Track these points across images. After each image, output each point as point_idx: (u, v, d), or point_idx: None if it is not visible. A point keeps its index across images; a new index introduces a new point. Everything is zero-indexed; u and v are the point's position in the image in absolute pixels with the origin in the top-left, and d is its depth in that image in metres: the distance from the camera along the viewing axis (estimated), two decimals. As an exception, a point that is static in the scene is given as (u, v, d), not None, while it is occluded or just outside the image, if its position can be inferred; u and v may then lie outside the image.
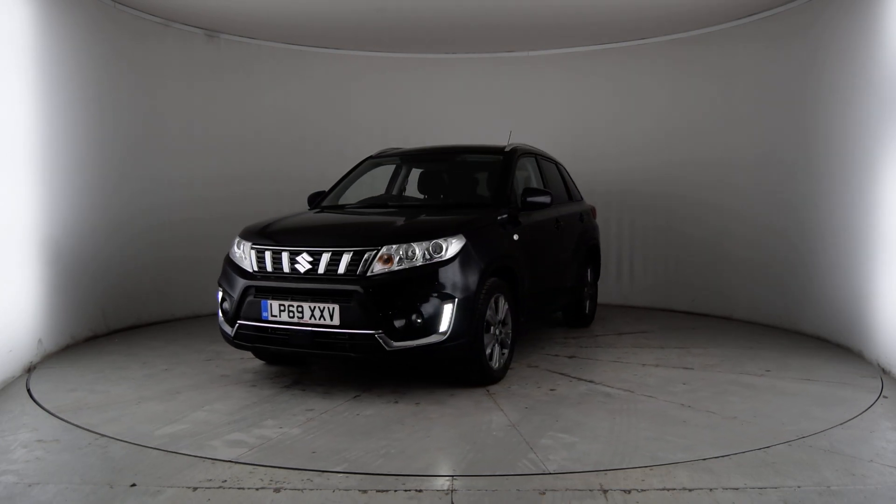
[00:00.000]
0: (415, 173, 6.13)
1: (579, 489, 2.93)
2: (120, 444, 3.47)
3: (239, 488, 2.94)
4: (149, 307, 6.83)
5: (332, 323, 4.07)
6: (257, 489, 2.93)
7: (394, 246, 4.12)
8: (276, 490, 2.92)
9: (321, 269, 4.17)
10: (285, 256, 4.29)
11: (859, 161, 5.43)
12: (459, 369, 4.50)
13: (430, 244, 4.17)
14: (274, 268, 4.33)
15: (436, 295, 4.09)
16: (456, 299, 4.13)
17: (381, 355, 4.05)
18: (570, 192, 6.56)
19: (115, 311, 6.43)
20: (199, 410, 4.09)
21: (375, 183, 6.09)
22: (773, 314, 6.69)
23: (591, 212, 6.96)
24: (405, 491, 2.92)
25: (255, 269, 4.38)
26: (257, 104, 7.79)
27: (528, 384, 4.61)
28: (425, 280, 4.10)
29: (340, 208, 5.42)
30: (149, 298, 6.81)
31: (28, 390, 4.45)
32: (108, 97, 6.40)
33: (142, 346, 5.87)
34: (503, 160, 5.35)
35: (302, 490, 2.93)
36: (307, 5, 6.58)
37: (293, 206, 7.36)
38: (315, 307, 4.10)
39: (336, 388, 4.55)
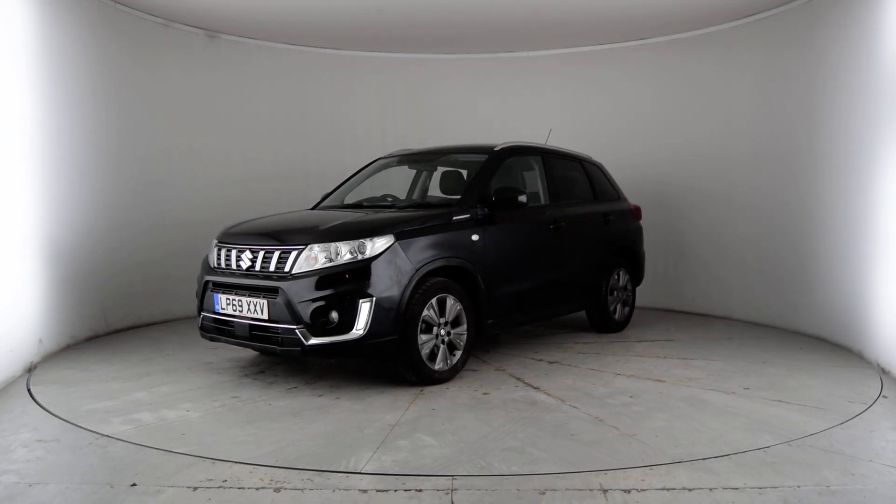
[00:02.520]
0: (415, 174, 6.20)
1: (579, 489, 2.93)
2: (120, 444, 3.47)
3: (239, 488, 2.94)
4: (149, 307, 6.83)
5: (262, 317, 4.32)
6: (257, 489, 2.94)
7: (318, 245, 4.28)
8: (276, 490, 2.93)
9: (258, 266, 4.45)
10: (234, 254, 4.62)
11: (859, 161, 5.43)
12: (397, 368, 4.55)
13: (355, 243, 4.29)
14: (226, 264, 4.67)
15: (353, 293, 4.19)
16: (374, 298, 4.20)
17: (301, 350, 4.22)
18: (596, 191, 6.38)
19: (116, 310, 6.43)
20: (144, 391, 4.47)
21: (377, 183, 6.11)
22: (773, 314, 6.69)
23: (633, 212, 6.72)
24: (405, 491, 2.92)
25: (215, 265, 4.76)
26: (258, 104, 7.80)
27: (469, 387, 4.54)
28: (344, 278, 4.21)
29: (327, 208, 5.60)
30: (149, 298, 6.81)
31: (28, 390, 4.46)
32: (109, 97, 6.40)
33: (177, 332, 6.34)
34: (486, 160, 5.34)
35: (302, 490, 2.93)
36: (307, 5, 6.58)
37: (293, 205, 7.36)
38: (250, 302, 4.38)
39: (285, 379, 4.76)
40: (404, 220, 4.56)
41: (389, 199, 5.70)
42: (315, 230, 4.45)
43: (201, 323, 4.76)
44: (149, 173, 6.85)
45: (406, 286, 4.33)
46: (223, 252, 4.70)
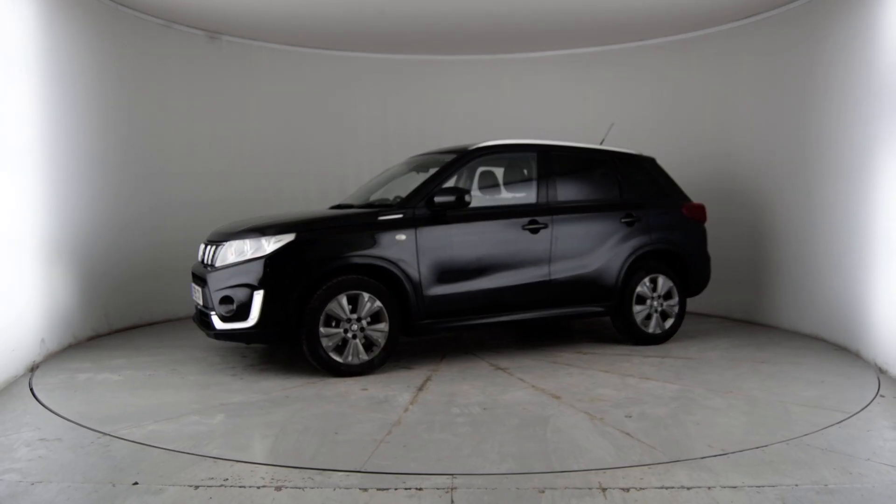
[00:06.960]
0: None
1: (578, 487, 2.95)
2: (122, 443, 3.49)
3: (240, 486, 2.96)
4: (151, 307, 6.86)
5: (203, 304, 4.91)
6: (259, 487, 2.96)
7: (233, 242, 4.80)
8: (278, 489, 2.95)
9: (206, 260, 5.01)
10: (202, 249, 5.20)
11: (857, 161, 5.45)
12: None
13: (260, 240, 4.71)
14: (199, 259, 5.23)
15: (247, 286, 4.62)
16: (264, 291, 4.58)
17: (214, 333, 4.78)
18: (624, 189, 5.88)
19: (118, 310, 6.45)
20: (126, 359, 5.32)
21: (398, 183, 6.11)
22: (771, 314, 6.71)
23: (689, 212, 6.02)
24: (405, 489, 2.94)
25: (198, 259, 5.29)
26: (259, 105, 7.82)
27: (362, 383, 4.62)
28: (242, 272, 4.67)
29: (339, 207, 5.73)
30: (151, 298, 6.84)
31: (31, 389, 4.48)
32: (110, 98, 6.42)
33: (185, 327, 6.67)
34: (451, 160, 5.36)
35: (303, 489, 2.95)
36: (308, 7, 6.60)
37: (292, 206, 7.40)
38: (198, 290, 5.00)
39: (239, 360, 5.30)
40: (313, 220, 4.91)
41: (392, 200, 5.74)
42: (235, 228, 4.98)
43: (195, 310, 5.34)
44: (150, 173, 6.87)
45: (303, 282, 4.64)
46: (200, 247, 5.29)
